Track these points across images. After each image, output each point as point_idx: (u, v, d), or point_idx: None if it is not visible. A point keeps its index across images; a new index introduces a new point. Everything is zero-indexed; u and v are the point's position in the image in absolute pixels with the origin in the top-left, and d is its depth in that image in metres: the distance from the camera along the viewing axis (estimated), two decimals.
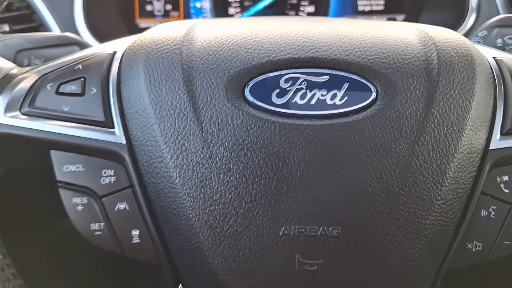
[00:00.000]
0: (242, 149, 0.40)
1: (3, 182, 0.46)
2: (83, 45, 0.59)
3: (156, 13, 1.20)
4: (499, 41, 0.69)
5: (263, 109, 0.41)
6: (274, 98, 0.42)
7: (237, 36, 0.44)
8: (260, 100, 0.42)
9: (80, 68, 0.45)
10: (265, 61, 0.42)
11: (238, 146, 0.41)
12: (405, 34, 0.46)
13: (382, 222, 0.40)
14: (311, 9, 1.20)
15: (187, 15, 1.20)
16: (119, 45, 0.48)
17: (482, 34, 0.72)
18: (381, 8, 1.19)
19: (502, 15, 0.72)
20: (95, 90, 0.44)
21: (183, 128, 0.41)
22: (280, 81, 0.42)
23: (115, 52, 0.47)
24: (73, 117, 0.43)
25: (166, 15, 1.20)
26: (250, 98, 0.42)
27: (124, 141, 0.43)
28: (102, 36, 1.03)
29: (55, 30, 1.01)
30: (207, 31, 0.46)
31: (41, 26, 1.00)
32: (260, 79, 0.42)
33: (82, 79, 0.44)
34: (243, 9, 1.20)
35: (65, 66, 0.46)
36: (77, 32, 1.00)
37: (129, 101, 0.43)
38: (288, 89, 0.42)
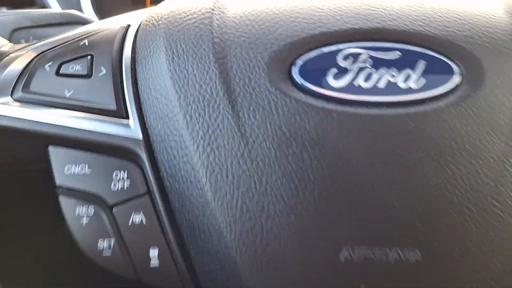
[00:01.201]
0: (290, 146, 0.34)
1: None
2: None
3: None
4: None
5: (316, 94, 0.35)
6: (330, 80, 0.35)
7: (281, 2, 0.38)
8: (312, 82, 0.35)
9: (86, 44, 0.40)
10: (318, 33, 0.36)
11: (284, 142, 0.34)
12: (487, 4, 0.40)
13: (472, 243, 0.33)
14: None
15: None
16: (133, 18, 0.42)
17: None
18: None
19: None
20: (104, 71, 0.38)
21: (215, 119, 0.35)
22: (338, 58, 0.35)
23: (129, 26, 0.41)
24: (77, 104, 0.38)
25: None
26: (299, 80, 0.35)
27: (140, 136, 0.37)
28: None
29: None
30: None
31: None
32: (311, 55, 0.36)
33: (89, 57, 0.39)
34: None
35: (68, 42, 0.40)
36: None
37: (147, 85, 0.37)
38: (348, 68, 0.35)
